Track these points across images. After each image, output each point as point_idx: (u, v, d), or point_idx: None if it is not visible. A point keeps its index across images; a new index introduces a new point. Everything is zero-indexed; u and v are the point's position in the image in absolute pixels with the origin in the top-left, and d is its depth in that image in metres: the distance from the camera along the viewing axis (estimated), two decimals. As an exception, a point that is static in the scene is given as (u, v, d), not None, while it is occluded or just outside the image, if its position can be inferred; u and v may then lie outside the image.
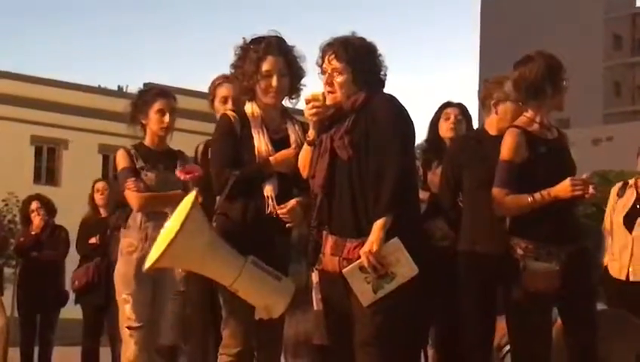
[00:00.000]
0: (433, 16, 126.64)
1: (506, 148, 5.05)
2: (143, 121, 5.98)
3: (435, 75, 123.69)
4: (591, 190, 4.89)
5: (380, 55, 4.68)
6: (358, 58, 4.60)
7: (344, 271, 4.46)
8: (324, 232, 4.60)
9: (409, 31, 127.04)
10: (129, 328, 5.72)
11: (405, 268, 4.39)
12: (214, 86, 5.99)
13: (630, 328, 6.07)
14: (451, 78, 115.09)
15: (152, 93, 6.05)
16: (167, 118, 5.92)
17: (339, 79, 4.61)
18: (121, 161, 5.92)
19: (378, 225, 4.37)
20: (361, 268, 4.40)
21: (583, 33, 61.67)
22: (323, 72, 4.69)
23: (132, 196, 5.82)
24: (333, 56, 4.63)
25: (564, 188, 4.89)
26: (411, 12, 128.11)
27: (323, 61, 4.68)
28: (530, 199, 4.94)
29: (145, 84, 35.03)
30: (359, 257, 4.41)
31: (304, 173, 4.77)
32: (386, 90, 4.72)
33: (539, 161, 5.02)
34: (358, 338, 4.47)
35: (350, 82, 4.61)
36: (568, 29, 60.88)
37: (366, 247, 4.37)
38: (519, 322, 5.09)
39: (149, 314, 5.77)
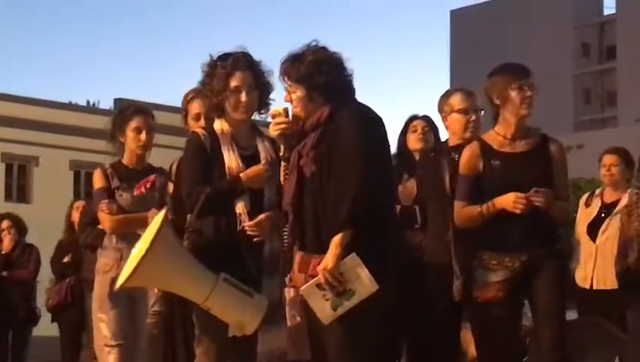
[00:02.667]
0: (403, 29, 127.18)
1: (461, 162, 5.21)
2: (121, 139, 5.95)
3: (407, 87, 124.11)
4: (538, 203, 4.92)
5: (341, 65, 4.58)
6: (308, 74, 4.53)
7: (301, 289, 4.38)
8: (295, 249, 4.58)
9: (379, 45, 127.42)
10: (107, 346, 5.72)
11: (365, 285, 4.28)
12: (186, 101, 5.98)
13: (607, 336, 6.10)
14: (423, 89, 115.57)
15: (130, 111, 6.02)
16: (143, 136, 5.91)
17: (294, 96, 4.60)
18: (97, 180, 5.92)
19: (334, 241, 4.28)
20: (319, 286, 4.32)
21: (552, 42, 62.00)
22: (285, 89, 4.68)
23: (104, 218, 5.84)
24: (285, 75, 4.62)
25: (507, 201, 4.98)
26: (380, 27, 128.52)
27: (282, 81, 4.67)
28: (478, 210, 5.07)
29: (115, 100, 35.03)
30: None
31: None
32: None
33: (490, 173, 5.12)
34: (329, 354, 4.45)
35: (305, 99, 4.56)
36: (537, 38, 61.22)
37: (322, 264, 4.30)
38: (478, 332, 5.21)
39: (126, 333, 5.76)
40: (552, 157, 5.15)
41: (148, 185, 5.84)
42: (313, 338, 4.61)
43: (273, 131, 4.69)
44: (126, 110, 6.07)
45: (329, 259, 4.29)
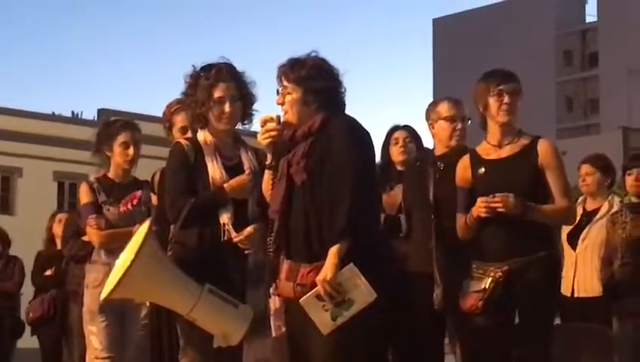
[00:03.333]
0: (385, 38, 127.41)
1: (456, 174, 5.23)
2: (108, 153, 5.94)
3: (389, 96, 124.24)
4: (500, 208, 4.89)
5: (336, 75, 4.61)
6: (308, 77, 4.54)
7: (301, 301, 4.39)
8: (281, 257, 4.58)
9: (361, 54, 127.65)
10: (97, 358, 5.75)
11: (363, 293, 4.32)
12: (170, 112, 5.96)
13: (601, 341, 6.11)
14: (406, 98, 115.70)
15: (117, 125, 6.02)
16: (131, 150, 5.92)
17: (288, 98, 4.58)
18: (84, 195, 5.92)
19: (332, 252, 4.31)
20: (318, 297, 4.34)
21: (535, 50, 62.23)
22: (277, 93, 4.65)
23: (93, 233, 5.85)
24: (283, 76, 4.60)
25: (476, 208, 4.98)
26: (362, 36, 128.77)
27: (279, 82, 4.65)
28: (464, 220, 5.09)
29: (99, 110, 34.95)
30: (313, 282, 4.36)
31: (267, 198, 4.74)
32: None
33: (477, 181, 5.12)
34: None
35: (300, 101, 4.55)
36: (520, 46, 61.45)
37: (321, 276, 4.31)
38: (460, 342, 5.33)
39: (116, 346, 5.79)
40: (540, 158, 5.05)
41: (135, 202, 5.85)
42: (295, 349, 4.61)
43: (263, 138, 4.65)
44: (113, 124, 6.06)
45: (328, 270, 4.30)
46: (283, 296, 4.56)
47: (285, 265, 4.54)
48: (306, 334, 4.47)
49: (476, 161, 5.16)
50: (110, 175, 5.99)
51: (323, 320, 4.36)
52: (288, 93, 4.58)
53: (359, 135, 4.52)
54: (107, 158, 5.99)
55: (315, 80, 4.55)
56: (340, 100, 4.64)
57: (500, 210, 4.90)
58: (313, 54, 4.62)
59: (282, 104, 4.61)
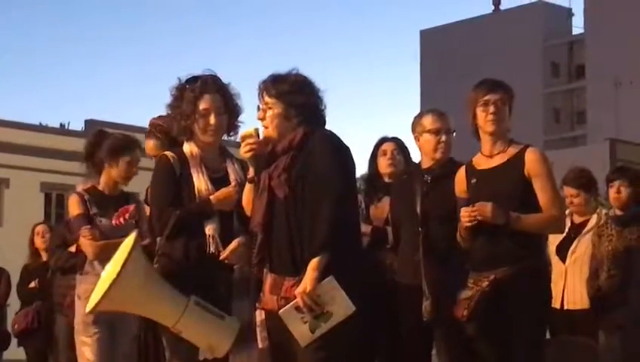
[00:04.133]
0: (373, 50, 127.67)
1: (455, 185, 5.27)
2: (107, 166, 5.94)
3: (377, 108, 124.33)
4: (479, 217, 4.90)
5: (317, 91, 4.65)
6: (290, 92, 4.57)
7: (280, 312, 4.40)
8: (265, 270, 4.58)
9: (349, 67, 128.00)
10: None
11: (341, 306, 4.32)
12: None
13: (587, 355, 6.12)
14: (393, 110, 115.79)
15: (128, 140, 6.04)
16: (135, 169, 5.98)
17: (269, 113, 4.60)
18: (75, 207, 5.91)
19: (312, 264, 4.31)
20: (297, 309, 4.35)
21: (522, 61, 62.39)
22: (257, 109, 4.69)
23: (87, 244, 5.83)
24: (264, 91, 4.63)
25: (460, 218, 5.00)
26: (349, 49, 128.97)
27: (260, 98, 4.68)
28: (459, 230, 5.10)
29: (87, 121, 34.90)
30: (296, 296, 4.37)
31: (247, 211, 4.75)
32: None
33: (471, 192, 5.15)
34: None
35: (281, 116, 4.57)
36: (507, 58, 61.62)
37: (300, 288, 4.32)
38: (445, 352, 5.40)
39: (107, 357, 5.81)
40: (527, 167, 5.03)
41: (127, 216, 5.85)
42: (276, 360, 4.63)
43: (244, 153, 4.67)
44: (123, 138, 6.08)
45: (307, 283, 4.30)
46: (267, 309, 4.57)
47: (269, 279, 4.55)
48: (289, 347, 4.49)
49: (471, 171, 5.20)
50: (100, 187, 5.99)
51: (301, 332, 4.37)
52: (269, 109, 4.60)
53: (340, 149, 4.54)
54: (98, 169, 6.00)
55: (296, 95, 4.58)
56: (321, 116, 4.67)
57: (479, 218, 4.91)
58: (294, 71, 4.65)
59: (263, 119, 4.64)
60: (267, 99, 4.61)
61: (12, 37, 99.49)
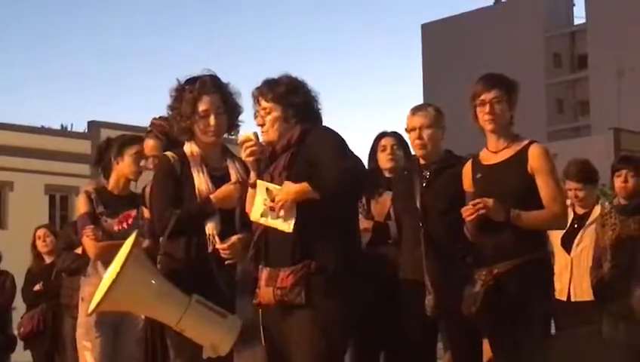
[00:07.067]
0: (374, 44, 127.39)
1: (462, 180, 5.28)
2: (114, 163, 5.96)
3: (379, 102, 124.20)
4: (480, 211, 4.90)
5: (310, 90, 4.72)
6: (285, 94, 4.65)
7: (257, 180, 4.56)
8: (260, 266, 4.63)
9: (350, 61, 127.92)
10: None
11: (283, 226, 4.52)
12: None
13: (605, 348, 6.11)
14: (395, 104, 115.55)
15: (128, 137, 6.08)
16: (142, 162, 5.96)
17: (269, 117, 4.65)
18: (82, 206, 5.94)
19: (304, 186, 4.43)
20: (268, 192, 4.52)
21: (524, 53, 62.32)
22: (255, 116, 4.75)
23: (89, 244, 5.85)
24: (261, 97, 4.68)
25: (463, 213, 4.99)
26: (351, 43, 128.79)
27: (256, 104, 4.75)
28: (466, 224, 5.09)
29: (89, 123, 34.93)
30: (293, 284, 4.46)
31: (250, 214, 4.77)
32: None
33: (475, 186, 5.16)
34: None
35: (281, 118, 4.65)
36: (509, 49, 61.56)
37: (285, 187, 4.46)
38: (450, 347, 5.44)
39: (110, 360, 5.81)
40: (530, 163, 5.02)
41: (130, 221, 5.86)
42: (272, 355, 4.68)
43: (246, 157, 4.71)
44: (127, 136, 6.12)
45: (291, 190, 4.44)
46: (263, 303, 4.61)
47: (265, 273, 4.60)
48: (284, 343, 4.54)
49: (476, 166, 5.21)
50: (109, 187, 6.02)
51: (257, 206, 4.57)
52: (268, 113, 4.67)
53: (340, 139, 4.63)
54: (108, 169, 6.00)
55: (293, 95, 4.66)
56: (317, 114, 4.74)
57: (480, 212, 4.91)
58: (285, 75, 4.73)
59: (263, 125, 4.68)
60: (264, 103, 4.67)
61: (13, 40, 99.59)
